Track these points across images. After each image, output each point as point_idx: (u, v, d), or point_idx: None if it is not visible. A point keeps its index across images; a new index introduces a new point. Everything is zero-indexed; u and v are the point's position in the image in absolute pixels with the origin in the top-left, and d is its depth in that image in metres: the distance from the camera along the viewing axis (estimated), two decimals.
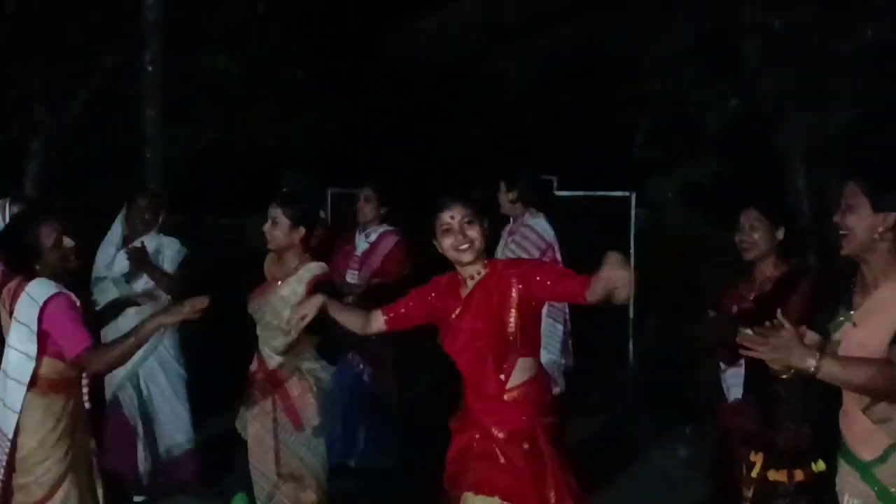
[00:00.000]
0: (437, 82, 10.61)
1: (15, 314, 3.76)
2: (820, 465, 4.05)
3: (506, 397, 3.77)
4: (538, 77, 9.15)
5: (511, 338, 3.73)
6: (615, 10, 8.53)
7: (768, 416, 4.19)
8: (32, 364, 3.74)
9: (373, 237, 6.29)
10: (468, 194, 3.87)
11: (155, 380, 5.72)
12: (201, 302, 3.77)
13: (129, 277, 5.65)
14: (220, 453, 5.46)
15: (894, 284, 3.08)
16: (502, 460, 3.74)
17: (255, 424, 4.58)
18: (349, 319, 4.03)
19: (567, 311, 5.75)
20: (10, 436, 3.76)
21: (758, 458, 4.19)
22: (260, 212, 4.64)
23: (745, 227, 4.34)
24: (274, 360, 4.54)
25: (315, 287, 4.38)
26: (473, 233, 3.75)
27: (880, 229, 3.10)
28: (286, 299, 4.45)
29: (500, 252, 5.64)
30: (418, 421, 6.16)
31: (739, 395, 4.49)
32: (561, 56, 8.94)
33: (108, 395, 5.67)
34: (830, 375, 3.02)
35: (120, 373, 5.40)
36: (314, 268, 4.53)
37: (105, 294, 5.64)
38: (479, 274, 3.79)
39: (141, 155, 8.38)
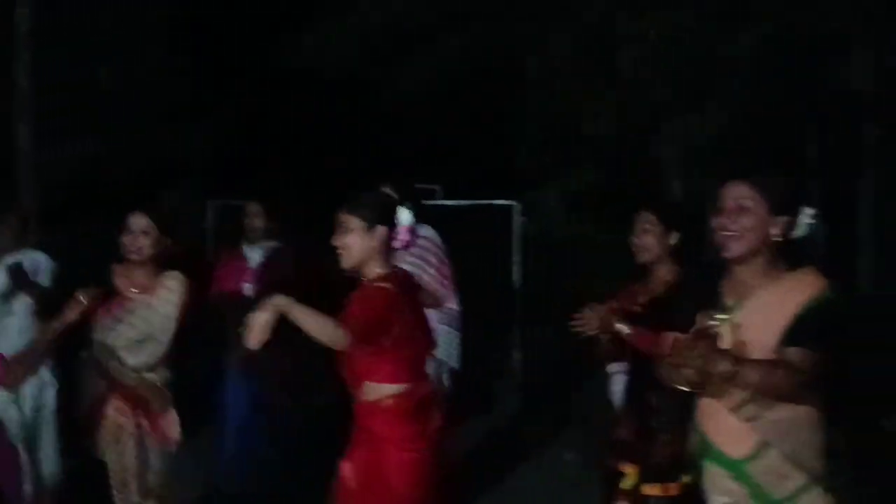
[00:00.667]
0: (323, 92, 10.56)
1: None
2: (685, 479, 3.92)
3: (362, 407, 3.76)
4: (425, 87, 9.19)
5: (360, 358, 3.71)
6: (499, 22, 8.62)
7: (643, 427, 4.16)
8: None
9: (265, 252, 6.22)
10: (360, 202, 3.77)
11: (39, 401, 5.56)
12: (92, 291, 3.67)
13: (6, 296, 5.49)
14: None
15: (779, 285, 3.16)
16: (356, 466, 3.76)
17: (117, 447, 4.37)
18: (319, 325, 3.51)
19: (459, 317, 5.78)
20: None
21: (632, 471, 4.18)
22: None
23: (638, 230, 4.36)
24: (131, 377, 4.38)
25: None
26: (347, 240, 3.70)
27: (775, 231, 3.10)
28: (156, 308, 4.36)
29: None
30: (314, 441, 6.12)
31: (622, 404, 4.55)
32: (447, 66, 9.00)
33: None
34: (747, 379, 3.03)
35: (3, 395, 5.25)
36: (177, 275, 4.36)
37: None
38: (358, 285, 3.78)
39: (14, 170, 8.14)
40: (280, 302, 3.47)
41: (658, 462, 4.09)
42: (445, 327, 5.58)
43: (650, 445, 4.14)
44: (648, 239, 4.24)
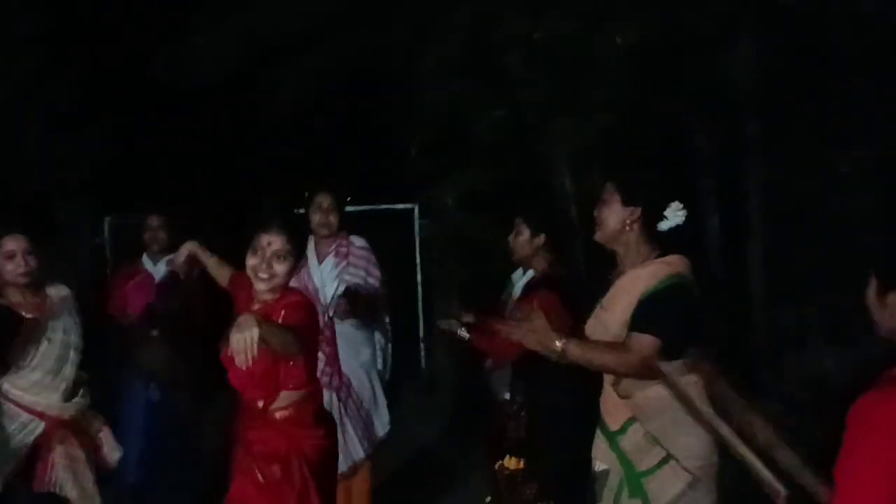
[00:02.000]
0: (211, 102, 10.45)
1: None
2: (509, 462, 4.57)
3: (267, 418, 3.81)
4: (313, 93, 9.17)
5: (275, 368, 3.79)
6: (383, 24, 8.66)
7: (528, 420, 4.61)
8: None
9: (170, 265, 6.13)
10: (293, 226, 3.91)
11: None
12: None
13: None
14: None
15: (634, 271, 3.40)
16: (260, 478, 3.77)
17: (77, 479, 4.27)
18: (285, 339, 3.61)
19: (389, 325, 5.81)
20: None
21: (511, 463, 4.61)
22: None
23: (513, 233, 4.80)
24: (66, 408, 4.28)
25: None
26: (280, 269, 3.79)
27: (628, 221, 3.46)
28: (68, 330, 4.26)
29: (334, 275, 5.54)
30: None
31: (507, 396, 4.78)
32: (334, 72, 9.00)
33: None
34: (574, 356, 3.37)
35: None
36: (63, 287, 4.34)
37: None
38: (268, 299, 3.84)
39: None
40: (250, 319, 3.49)
41: (515, 440, 4.60)
42: (380, 337, 5.63)
43: (535, 438, 4.59)
44: (518, 240, 4.81)
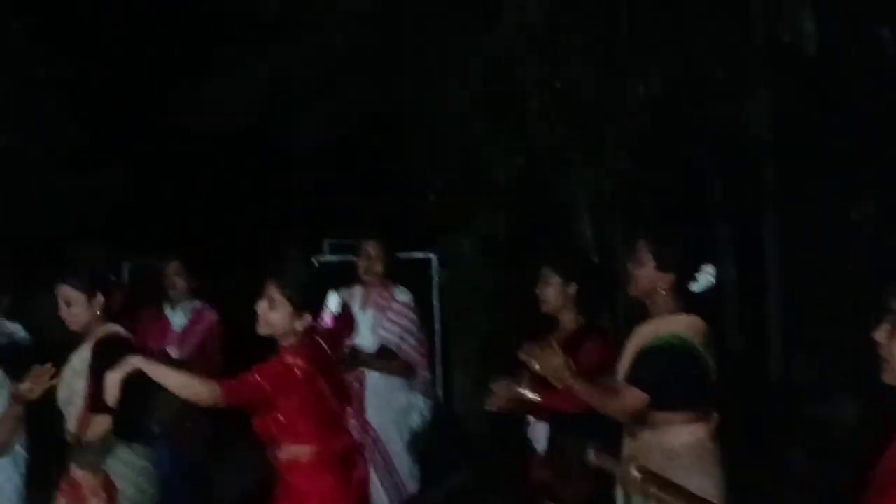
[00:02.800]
0: (229, 146, 10.48)
1: None
2: None
3: (282, 470, 3.85)
4: (331, 139, 9.19)
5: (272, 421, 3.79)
6: (400, 69, 8.69)
7: (564, 469, 4.42)
8: None
9: (188, 314, 6.09)
10: (289, 277, 3.81)
11: None
12: (45, 372, 3.59)
13: None
14: None
15: (651, 323, 3.54)
16: None
17: None
18: (180, 382, 3.69)
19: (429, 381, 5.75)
20: None
21: None
22: (46, 288, 4.37)
23: (540, 283, 4.62)
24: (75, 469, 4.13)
25: (102, 346, 4.10)
26: (269, 315, 3.75)
27: (660, 285, 3.64)
28: (76, 369, 4.21)
29: (369, 326, 5.48)
30: None
31: (545, 448, 4.69)
32: (351, 117, 9.01)
33: None
34: (577, 392, 3.68)
35: None
36: (103, 329, 4.25)
37: None
38: (285, 345, 3.82)
39: None
40: (134, 361, 3.58)
41: (571, 501, 4.40)
42: (420, 396, 5.55)
43: (568, 484, 4.40)
44: (549, 291, 4.57)
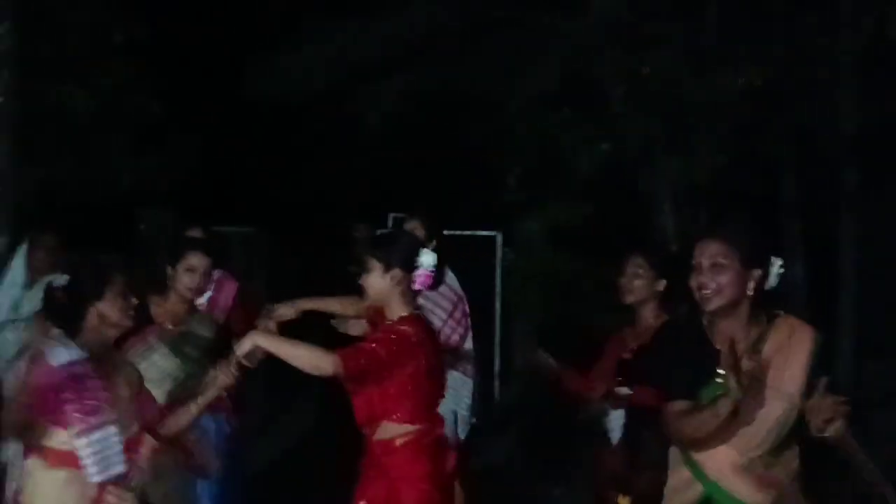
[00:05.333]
0: (300, 120, 10.47)
1: None
2: (623, 500, 4.36)
3: (372, 449, 3.84)
4: (405, 115, 9.15)
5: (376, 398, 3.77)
6: (485, 50, 8.61)
7: (638, 460, 4.36)
8: None
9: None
10: (380, 241, 3.97)
11: None
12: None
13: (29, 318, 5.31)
14: None
15: (775, 333, 3.19)
16: None
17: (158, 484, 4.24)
18: (302, 354, 3.65)
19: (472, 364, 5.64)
20: None
21: (625, 501, 4.37)
22: (114, 250, 4.41)
23: (627, 272, 4.51)
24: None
25: None
26: (367, 280, 3.82)
27: (751, 284, 3.21)
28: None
29: None
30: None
31: (619, 439, 4.62)
32: (426, 96, 8.97)
33: None
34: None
35: None
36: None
37: (11, 338, 5.26)
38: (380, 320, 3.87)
39: None
40: (256, 338, 3.59)
41: (643, 494, 4.24)
42: (458, 373, 5.47)
43: (639, 478, 4.32)
44: (637, 282, 4.46)
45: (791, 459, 3.30)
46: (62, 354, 3.37)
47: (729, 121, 7.59)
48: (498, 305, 9.88)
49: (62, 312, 3.46)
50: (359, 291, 3.93)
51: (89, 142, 10.05)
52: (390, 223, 9.85)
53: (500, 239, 9.81)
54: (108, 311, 3.42)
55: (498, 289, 9.88)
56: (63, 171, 9.96)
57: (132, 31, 10.23)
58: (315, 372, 3.67)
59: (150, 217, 10.67)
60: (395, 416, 3.75)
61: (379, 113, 9.15)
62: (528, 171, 8.39)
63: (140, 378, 3.60)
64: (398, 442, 3.75)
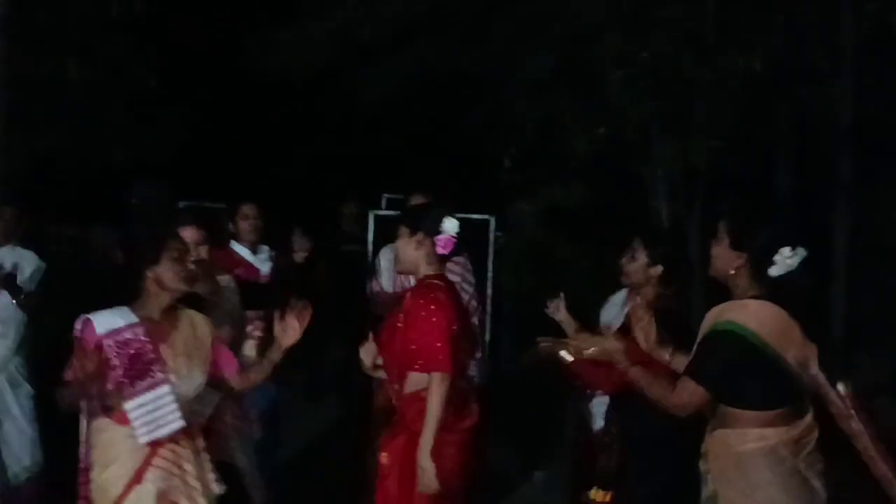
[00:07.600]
0: (295, 96, 10.43)
1: None
2: (596, 494, 4.37)
3: (400, 405, 3.99)
4: (398, 94, 9.11)
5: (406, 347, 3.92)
6: (478, 32, 8.57)
7: (612, 448, 4.40)
8: None
9: (268, 260, 5.97)
10: (407, 208, 4.27)
11: (3, 400, 5.35)
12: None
13: None
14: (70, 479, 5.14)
15: (717, 308, 3.50)
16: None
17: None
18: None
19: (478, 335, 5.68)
20: None
21: (598, 494, 4.39)
22: (103, 222, 4.42)
23: (627, 255, 4.49)
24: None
25: None
26: (407, 255, 4.05)
27: (735, 264, 3.51)
28: None
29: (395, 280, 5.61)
30: None
31: (602, 426, 4.61)
32: (422, 76, 8.93)
33: None
34: (633, 379, 3.63)
35: None
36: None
37: None
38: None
39: None
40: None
41: (603, 468, 4.39)
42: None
43: (602, 454, 4.42)
44: (634, 266, 4.47)
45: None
46: (108, 321, 3.45)
47: (726, 106, 7.54)
48: (489, 291, 9.86)
49: (119, 279, 3.59)
50: (343, 267, 4.07)
51: (84, 114, 10.00)
52: (384, 204, 9.83)
53: (493, 223, 9.77)
54: (164, 275, 3.48)
55: (490, 273, 9.85)
56: (56, 142, 9.92)
57: (130, 3, 10.18)
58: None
59: (143, 190, 10.61)
60: (420, 366, 3.87)
61: (376, 91, 9.11)
62: (524, 153, 8.35)
63: (212, 333, 3.72)
64: (423, 393, 3.84)
